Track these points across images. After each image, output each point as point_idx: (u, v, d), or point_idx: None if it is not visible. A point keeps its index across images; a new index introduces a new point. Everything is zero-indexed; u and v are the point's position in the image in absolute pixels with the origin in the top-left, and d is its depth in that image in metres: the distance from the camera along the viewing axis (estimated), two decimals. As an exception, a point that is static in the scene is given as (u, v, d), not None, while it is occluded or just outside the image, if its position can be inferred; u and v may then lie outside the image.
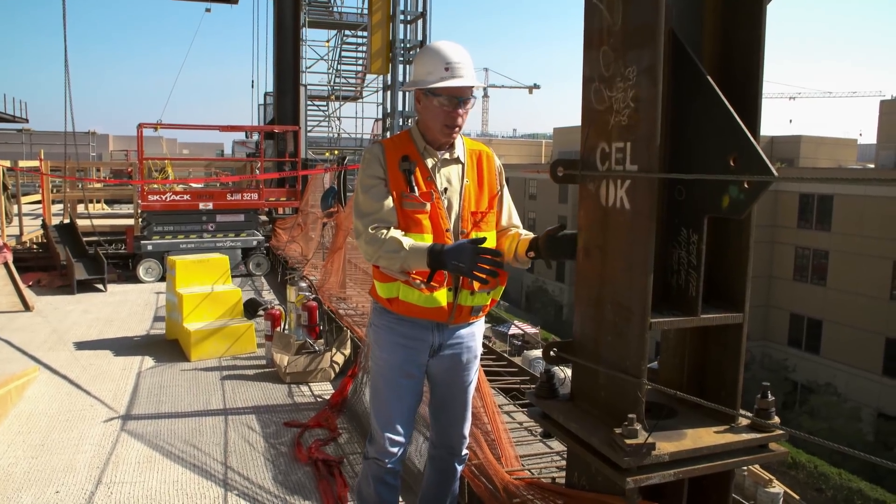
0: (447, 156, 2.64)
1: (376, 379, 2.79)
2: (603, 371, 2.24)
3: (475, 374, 2.86)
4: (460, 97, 2.55)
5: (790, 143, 43.11)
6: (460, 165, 2.67)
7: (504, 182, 2.80)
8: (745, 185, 1.92)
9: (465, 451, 2.90)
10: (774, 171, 1.86)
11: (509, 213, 2.79)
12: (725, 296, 2.26)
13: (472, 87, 2.57)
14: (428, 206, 2.56)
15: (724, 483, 2.26)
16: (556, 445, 3.62)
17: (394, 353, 2.69)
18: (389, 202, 2.57)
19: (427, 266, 2.41)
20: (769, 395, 2.15)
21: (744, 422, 2.20)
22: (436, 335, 2.66)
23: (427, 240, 2.52)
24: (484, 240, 2.48)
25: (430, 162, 2.62)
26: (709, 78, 2.07)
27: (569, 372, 2.50)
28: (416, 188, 2.56)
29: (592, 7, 2.28)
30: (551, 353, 2.41)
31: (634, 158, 2.09)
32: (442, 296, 2.57)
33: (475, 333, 2.78)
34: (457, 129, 2.59)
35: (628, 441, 1.95)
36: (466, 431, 2.88)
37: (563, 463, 3.42)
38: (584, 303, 2.35)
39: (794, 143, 42.95)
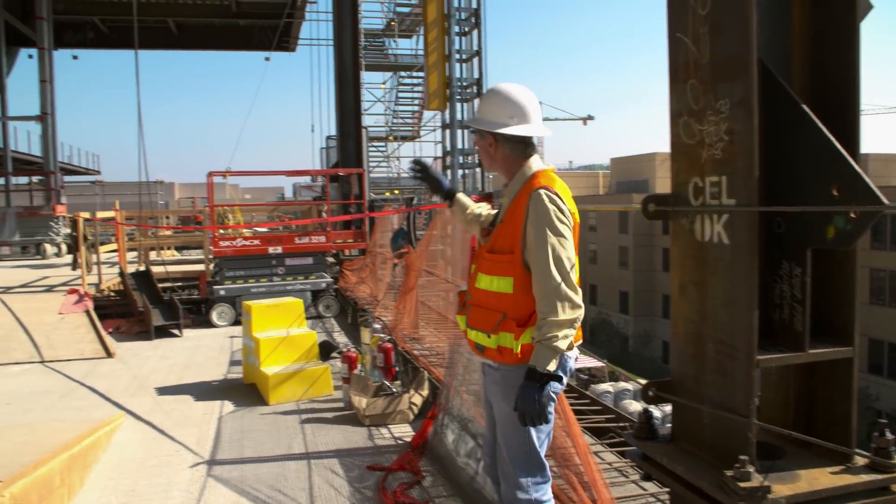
0: (505, 198, 2.72)
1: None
2: (706, 410, 2.18)
3: (507, 420, 2.54)
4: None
5: (858, 162, 41.80)
6: (506, 206, 2.71)
7: (533, 222, 2.48)
8: (852, 215, 1.87)
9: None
10: (884, 199, 1.80)
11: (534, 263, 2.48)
12: (831, 329, 2.18)
13: (470, 126, 2.76)
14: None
15: (842, 527, 2.16)
16: (651, 487, 3.52)
17: None
18: None
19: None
20: (887, 433, 2.05)
21: (860, 461, 2.10)
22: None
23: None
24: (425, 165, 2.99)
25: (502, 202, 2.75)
26: (804, 107, 2.02)
27: (658, 409, 2.44)
28: None
29: (677, 41, 2.27)
30: (650, 392, 2.36)
31: (731, 192, 2.05)
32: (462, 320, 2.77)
33: (492, 378, 2.63)
34: (482, 164, 2.75)
35: (742, 484, 1.88)
36: (510, 484, 2.58)
37: (660, 505, 3.33)
38: (682, 340, 2.30)
39: (861, 163, 41.70)
